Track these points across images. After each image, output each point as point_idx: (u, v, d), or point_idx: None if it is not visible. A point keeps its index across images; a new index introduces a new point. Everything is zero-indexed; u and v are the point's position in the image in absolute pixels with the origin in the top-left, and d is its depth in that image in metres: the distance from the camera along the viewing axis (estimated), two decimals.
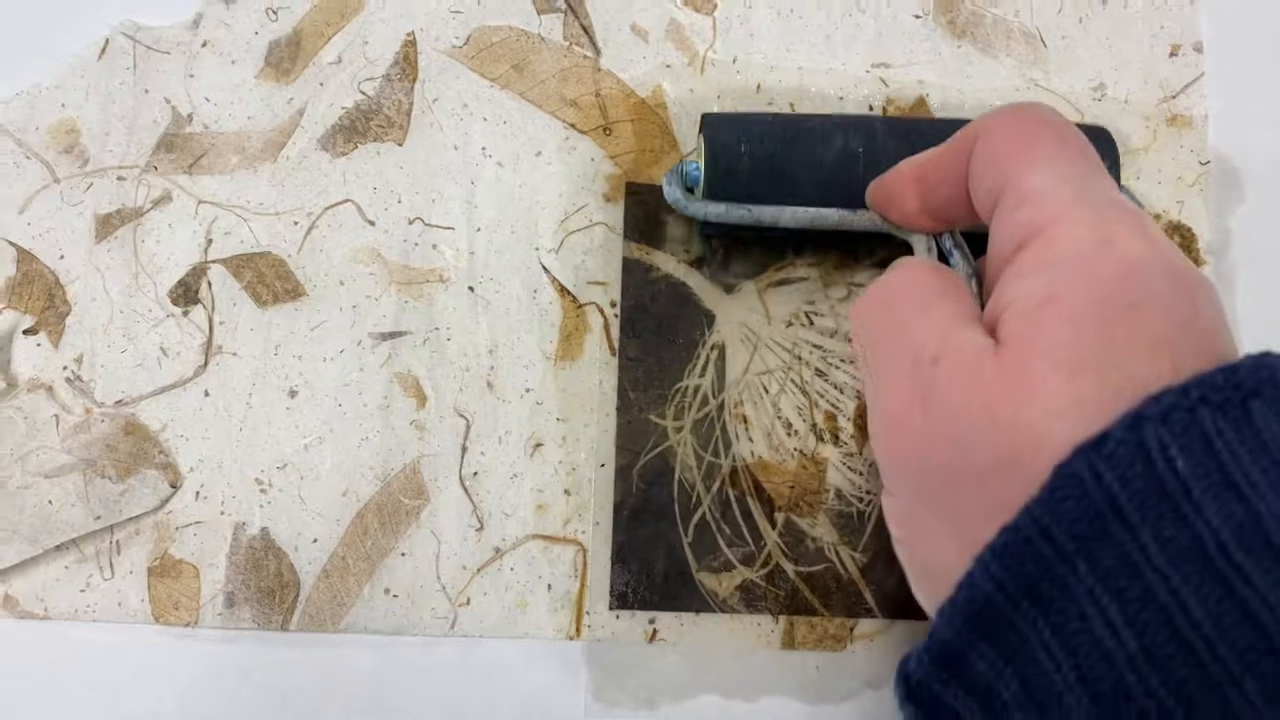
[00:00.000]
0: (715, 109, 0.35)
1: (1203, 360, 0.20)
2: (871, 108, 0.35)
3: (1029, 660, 0.20)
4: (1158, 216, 0.35)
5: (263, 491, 0.32)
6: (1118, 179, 0.31)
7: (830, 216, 0.31)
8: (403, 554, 0.32)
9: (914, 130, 0.32)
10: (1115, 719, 0.18)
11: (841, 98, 0.35)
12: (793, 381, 0.34)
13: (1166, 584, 0.18)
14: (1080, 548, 0.19)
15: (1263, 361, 0.19)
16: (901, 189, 0.28)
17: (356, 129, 0.35)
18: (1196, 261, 0.35)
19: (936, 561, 0.22)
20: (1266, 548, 0.18)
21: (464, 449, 0.33)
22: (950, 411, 0.22)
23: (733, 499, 0.33)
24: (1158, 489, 0.18)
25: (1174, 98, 0.36)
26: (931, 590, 0.23)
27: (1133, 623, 0.18)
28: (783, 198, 0.31)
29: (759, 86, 0.35)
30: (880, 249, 0.34)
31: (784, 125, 0.32)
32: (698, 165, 0.32)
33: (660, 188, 0.34)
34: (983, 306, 0.24)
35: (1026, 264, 0.22)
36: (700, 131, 0.32)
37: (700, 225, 0.34)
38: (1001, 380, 0.21)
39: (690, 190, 0.32)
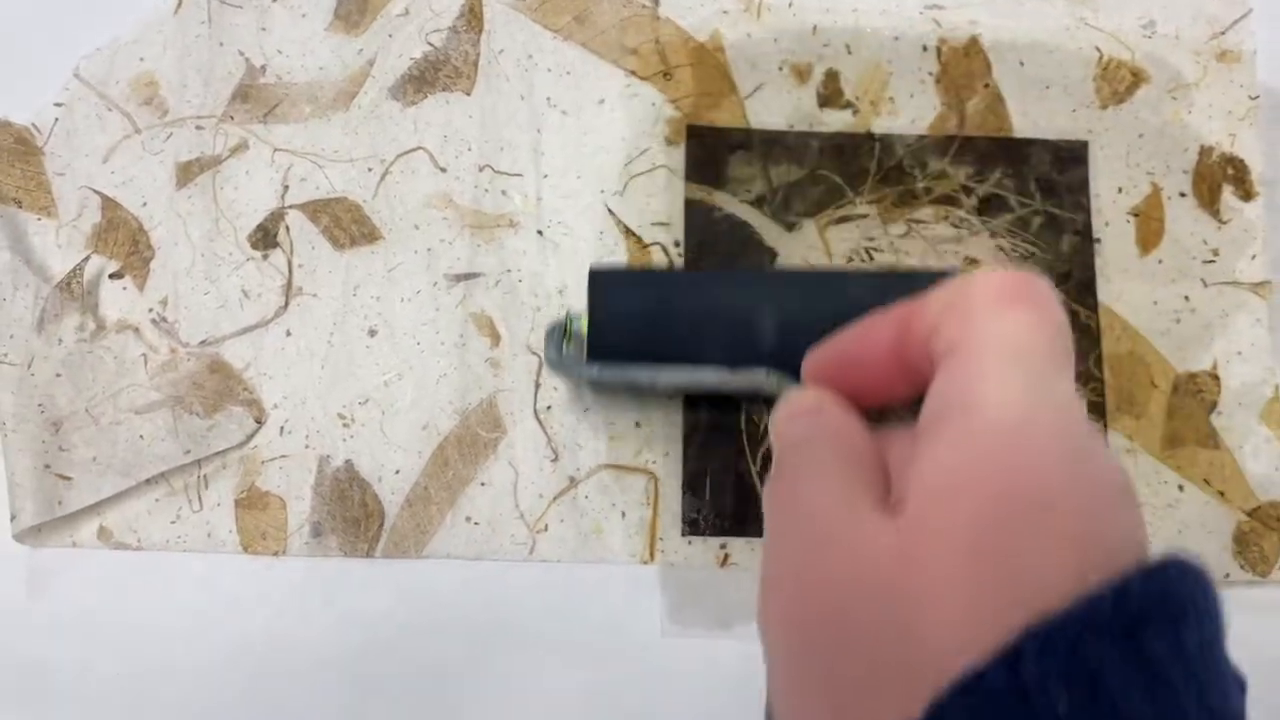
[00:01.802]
0: (772, 55, 0.36)
1: (1108, 571, 0.18)
2: (925, 48, 0.36)
3: None
4: (1210, 149, 0.36)
5: (345, 426, 0.33)
6: None
7: (709, 378, 0.29)
8: (482, 484, 0.33)
9: (807, 284, 0.30)
10: None
11: (896, 38, 0.36)
12: None
13: None
14: None
15: (1155, 575, 0.18)
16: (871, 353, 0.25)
17: (425, 79, 0.36)
18: (1248, 194, 0.36)
19: None
20: None
21: (537, 384, 0.34)
22: (842, 594, 0.20)
23: None
24: None
25: (1223, 34, 0.37)
26: None
27: None
28: (670, 356, 0.30)
29: (815, 28, 0.36)
30: (937, 188, 0.35)
31: (673, 285, 0.31)
32: (580, 321, 0.31)
33: (723, 129, 0.36)
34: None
35: (946, 434, 0.20)
36: (588, 290, 0.30)
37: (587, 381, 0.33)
38: (900, 564, 0.20)
39: (565, 345, 0.32)
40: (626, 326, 0.30)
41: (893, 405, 0.25)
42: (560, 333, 0.31)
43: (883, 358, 0.24)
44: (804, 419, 0.24)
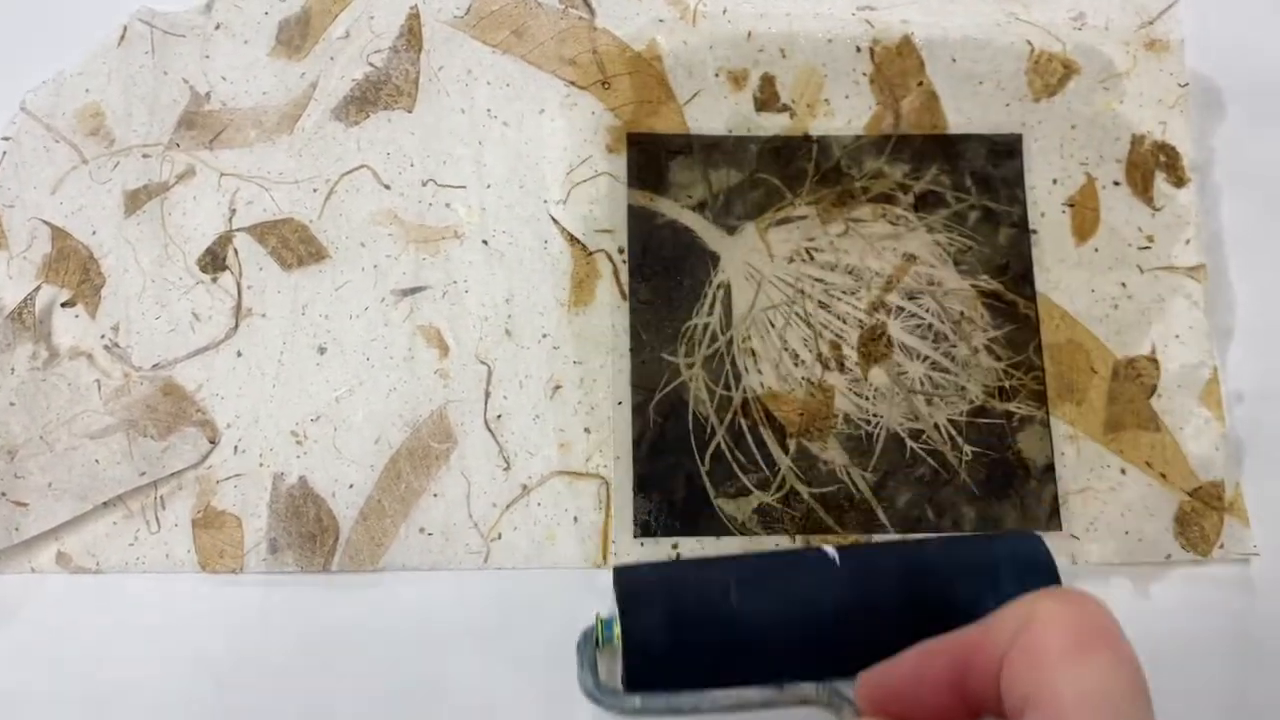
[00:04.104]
0: (708, 62, 0.37)
1: None
2: (859, 49, 0.37)
3: None
4: (1142, 138, 0.36)
5: (298, 443, 0.34)
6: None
7: (754, 698, 0.29)
8: (435, 495, 0.34)
9: (866, 569, 0.29)
10: None
11: (830, 40, 0.37)
12: (797, 314, 0.35)
13: None
14: None
15: None
16: (918, 688, 0.24)
17: (367, 99, 0.37)
18: (1181, 180, 0.36)
19: None
20: None
21: (487, 394, 0.34)
22: None
23: (745, 429, 0.34)
24: None
25: (1151, 23, 0.37)
26: None
27: None
28: (714, 671, 0.29)
29: (749, 34, 0.37)
30: (874, 187, 0.36)
31: (702, 575, 0.29)
32: (612, 623, 0.29)
33: (662, 135, 0.36)
34: None
35: None
36: (619, 613, 0.29)
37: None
38: None
39: (598, 655, 0.30)
40: (666, 653, 0.28)
41: None
42: (592, 646, 0.30)
43: (941, 690, 0.23)
44: None
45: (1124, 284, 0.35)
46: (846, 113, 0.37)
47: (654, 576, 0.30)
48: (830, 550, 0.29)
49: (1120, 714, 0.20)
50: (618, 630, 0.29)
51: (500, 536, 0.33)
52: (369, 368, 0.34)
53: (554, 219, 0.36)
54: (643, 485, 0.34)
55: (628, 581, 0.29)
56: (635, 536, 0.33)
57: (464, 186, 0.36)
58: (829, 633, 0.28)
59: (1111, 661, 0.21)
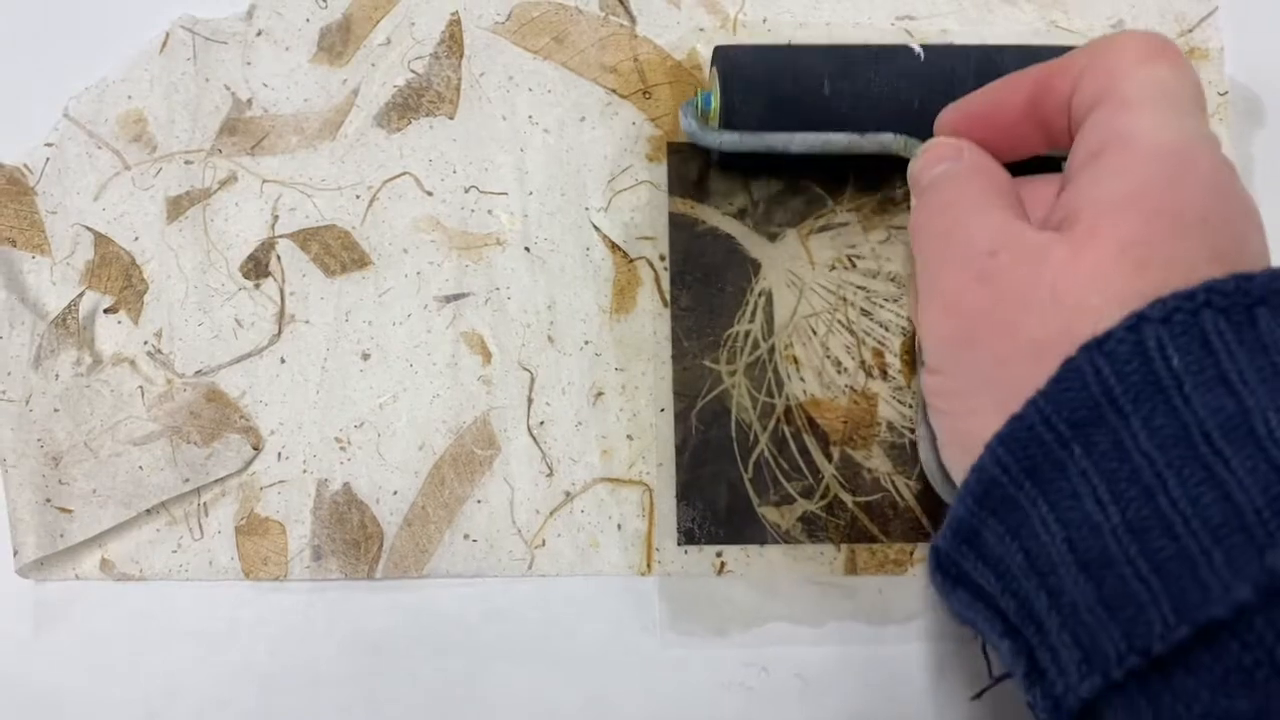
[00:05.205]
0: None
1: None
2: None
3: (1030, 534, 0.22)
4: None
5: (342, 449, 0.34)
6: None
7: (839, 141, 0.32)
8: (479, 501, 0.33)
9: (948, 65, 0.33)
10: (1100, 584, 0.20)
11: None
12: (839, 322, 0.35)
13: (1151, 466, 0.20)
14: (1077, 434, 0.21)
15: (1278, 273, 0.21)
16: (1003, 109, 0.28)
17: (409, 105, 0.37)
18: None
19: (977, 433, 0.23)
20: (1249, 437, 0.19)
21: (530, 400, 0.34)
22: (1012, 292, 0.23)
23: (788, 436, 0.34)
24: (1152, 383, 0.20)
25: (1190, 31, 0.37)
26: (966, 460, 0.24)
27: (1118, 498, 0.20)
28: (796, 127, 0.33)
29: (789, 44, 0.37)
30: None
31: (797, 58, 0.33)
32: (711, 96, 0.33)
33: (701, 147, 0.36)
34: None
35: (1110, 164, 0.24)
36: (713, 64, 0.34)
37: (717, 154, 0.35)
38: (1071, 265, 0.23)
39: (704, 119, 0.34)
40: (757, 99, 0.32)
41: (1017, 159, 0.28)
42: (693, 107, 0.34)
43: (1017, 113, 0.27)
44: (947, 161, 0.28)
45: None
46: None
47: (749, 47, 0.34)
48: (916, 47, 0.33)
49: (1180, 106, 0.24)
50: (716, 103, 0.33)
51: (544, 543, 0.33)
52: (412, 374, 0.34)
53: (595, 226, 0.36)
54: (685, 493, 0.34)
55: (724, 47, 0.34)
56: (679, 544, 0.33)
57: (506, 193, 0.36)
58: (910, 113, 0.32)
59: (1179, 65, 0.24)
